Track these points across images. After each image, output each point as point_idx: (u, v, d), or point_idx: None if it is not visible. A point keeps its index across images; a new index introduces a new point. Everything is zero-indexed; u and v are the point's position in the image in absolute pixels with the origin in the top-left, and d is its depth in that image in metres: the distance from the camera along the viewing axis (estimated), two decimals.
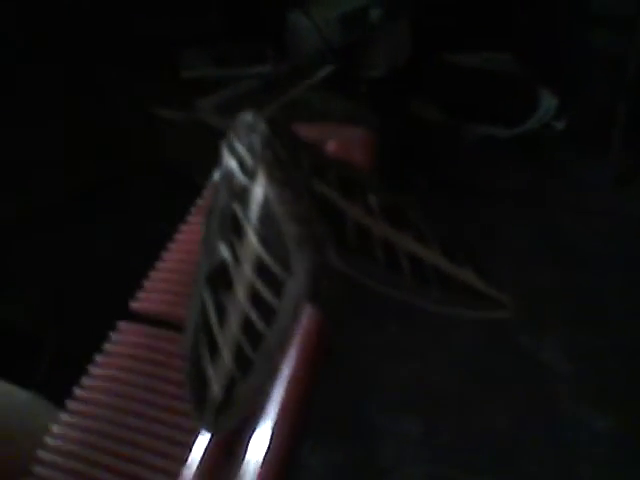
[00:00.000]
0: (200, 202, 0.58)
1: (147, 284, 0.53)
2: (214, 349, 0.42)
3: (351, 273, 0.44)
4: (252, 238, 0.43)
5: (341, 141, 0.58)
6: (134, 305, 0.53)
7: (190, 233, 0.56)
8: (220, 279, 0.43)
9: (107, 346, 0.51)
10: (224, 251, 0.44)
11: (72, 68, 1.40)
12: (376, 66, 1.67)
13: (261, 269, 0.43)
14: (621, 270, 1.33)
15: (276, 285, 0.42)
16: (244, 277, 0.43)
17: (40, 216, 1.30)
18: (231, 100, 1.58)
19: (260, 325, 0.42)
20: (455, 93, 1.70)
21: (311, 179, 0.47)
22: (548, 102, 1.66)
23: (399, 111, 1.64)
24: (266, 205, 0.45)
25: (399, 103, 1.66)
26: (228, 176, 0.47)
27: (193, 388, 0.42)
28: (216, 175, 0.49)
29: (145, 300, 0.53)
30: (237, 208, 0.46)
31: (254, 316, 0.42)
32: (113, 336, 0.52)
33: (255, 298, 0.42)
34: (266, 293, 0.43)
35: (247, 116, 0.49)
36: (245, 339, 0.42)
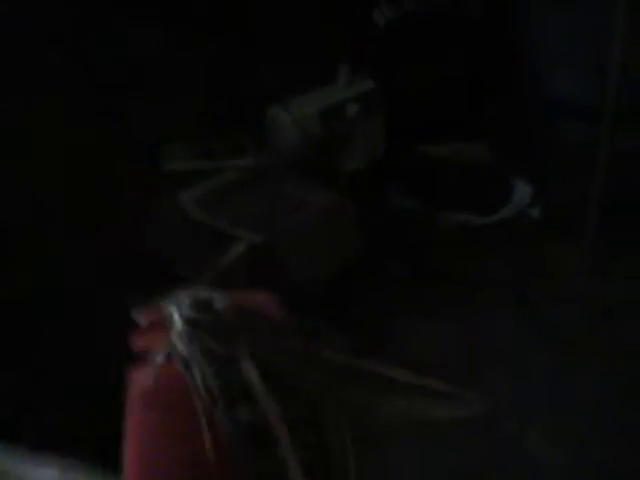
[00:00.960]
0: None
1: None
2: None
3: None
4: (266, 398, 0.47)
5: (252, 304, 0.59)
6: None
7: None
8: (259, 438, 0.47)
9: None
10: (247, 414, 0.48)
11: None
12: (354, 159, 1.72)
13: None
14: (602, 355, 1.35)
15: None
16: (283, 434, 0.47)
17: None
18: (212, 193, 1.61)
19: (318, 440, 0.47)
20: (431, 183, 1.75)
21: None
22: (522, 190, 1.71)
23: (377, 202, 1.67)
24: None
25: (377, 194, 1.69)
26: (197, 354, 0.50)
27: None
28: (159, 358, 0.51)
29: None
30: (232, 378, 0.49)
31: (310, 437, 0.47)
32: None
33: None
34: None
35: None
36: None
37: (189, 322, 0.52)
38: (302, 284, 1.40)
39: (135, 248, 1.40)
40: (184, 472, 0.51)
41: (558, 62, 1.67)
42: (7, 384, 1.17)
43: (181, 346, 0.52)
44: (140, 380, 0.53)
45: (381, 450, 1.16)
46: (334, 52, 1.71)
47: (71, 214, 1.40)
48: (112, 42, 1.48)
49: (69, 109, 1.44)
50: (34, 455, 0.57)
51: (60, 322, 1.29)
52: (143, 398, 0.52)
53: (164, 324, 0.53)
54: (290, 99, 1.63)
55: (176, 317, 0.52)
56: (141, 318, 0.54)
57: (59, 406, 1.15)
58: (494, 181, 1.73)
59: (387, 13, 1.72)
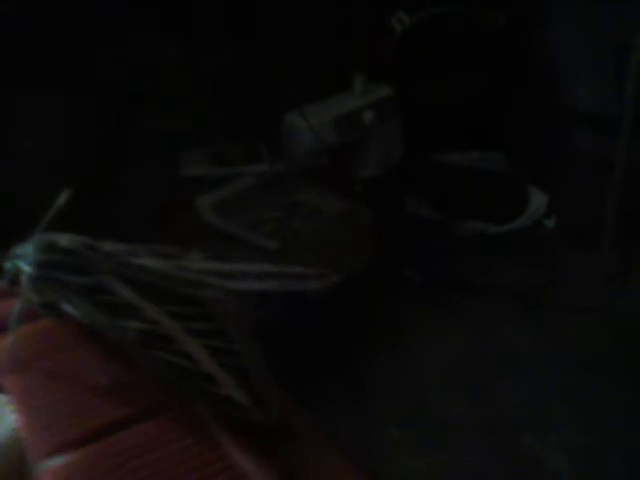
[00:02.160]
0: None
1: None
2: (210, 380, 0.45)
3: None
4: (149, 306, 0.46)
5: None
6: None
7: None
8: (154, 340, 0.46)
9: None
10: (134, 323, 0.47)
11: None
12: (369, 166, 1.72)
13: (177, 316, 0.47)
14: (616, 368, 1.34)
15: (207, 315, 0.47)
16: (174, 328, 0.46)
17: None
18: (228, 199, 1.61)
19: (225, 346, 0.46)
20: (447, 191, 1.74)
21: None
22: (538, 200, 1.70)
23: (393, 209, 1.67)
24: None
25: (392, 201, 1.69)
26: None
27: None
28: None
29: None
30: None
31: (215, 342, 0.47)
32: None
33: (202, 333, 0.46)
34: (204, 325, 0.47)
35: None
36: (225, 359, 0.46)
37: (39, 266, 0.50)
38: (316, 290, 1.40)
39: None
40: (79, 399, 0.50)
41: (577, 72, 1.66)
42: None
43: (36, 293, 0.51)
44: (1, 347, 0.52)
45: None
46: (350, 59, 1.71)
47: (86, 220, 1.40)
48: (128, 53, 1.49)
49: (85, 116, 1.45)
50: None
51: None
52: (11, 363, 0.51)
53: (8, 290, 0.51)
54: (306, 106, 1.64)
55: (23, 268, 0.50)
56: None
57: None
58: (510, 190, 1.73)
59: (405, 20, 1.72)
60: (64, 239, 0.51)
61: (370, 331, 1.41)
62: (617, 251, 1.52)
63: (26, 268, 0.50)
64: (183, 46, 1.52)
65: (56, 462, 0.46)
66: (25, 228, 0.51)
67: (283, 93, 1.59)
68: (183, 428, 0.46)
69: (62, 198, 0.54)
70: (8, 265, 0.50)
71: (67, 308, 0.50)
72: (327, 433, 0.52)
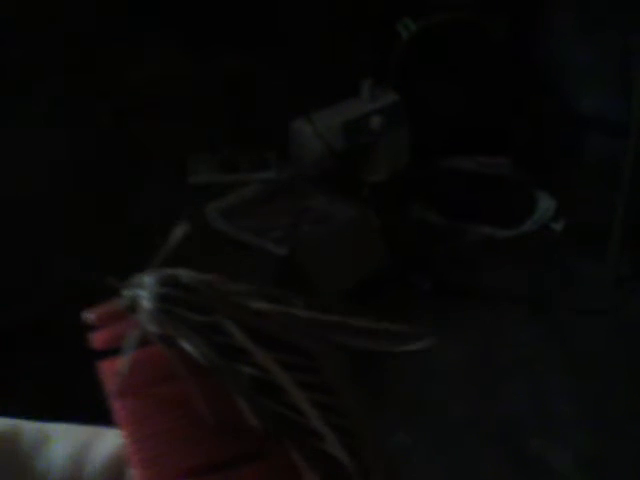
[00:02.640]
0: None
1: None
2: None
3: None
4: (260, 352, 0.46)
5: None
6: None
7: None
8: (264, 388, 0.45)
9: None
10: (246, 368, 0.47)
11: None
12: (377, 171, 1.72)
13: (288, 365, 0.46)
14: (625, 372, 1.34)
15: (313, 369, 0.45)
16: (285, 378, 0.45)
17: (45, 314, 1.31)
18: (237, 205, 1.62)
19: (333, 403, 0.45)
20: (454, 196, 1.75)
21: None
22: (546, 204, 1.71)
23: (400, 214, 1.68)
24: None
25: (400, 206, 1.70)
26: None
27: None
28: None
29: None
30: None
31: (323, 398, 0.45)
32: None
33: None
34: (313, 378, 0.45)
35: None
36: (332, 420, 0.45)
37: (161, 299, 0.50)
38: (325, 296, 1.41)
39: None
40: (187, 435, 0.49)
41: (584, 77, 1.67)
42: None
43: (155, 325, 0.51)
44: (114, 370, 0.52)
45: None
46: (358, 65, 1.72)
47: (94, 230, 1.41)
48: (135, 60, 1.49)
49: (95, 126, 1.46)
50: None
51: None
52: (122, 387, 0.50)
53: (122, 314, 0.51)
54: (314, 112, 1.64)
55: (143, 298, 0.51)
56: (92, 316, 0.53)
57: None
58: (517, 194, 1.73)
59: (410, 26, 1.73)
60: (185, 275, 0.52)
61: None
62: (625, 254, 1.52)
63: (146, 300, 0.51)
64: (191, 53, 1.53)
65: None
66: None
67: (291, 99, 1.59)
68: (282, 477, 0.46)
69: (179, 232, 0.54)
70: (127, 292, 0.51)
71: (184, 344, 0.51)
72: None
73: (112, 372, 0.52)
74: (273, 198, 1.59)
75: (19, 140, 1.38)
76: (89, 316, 0.51)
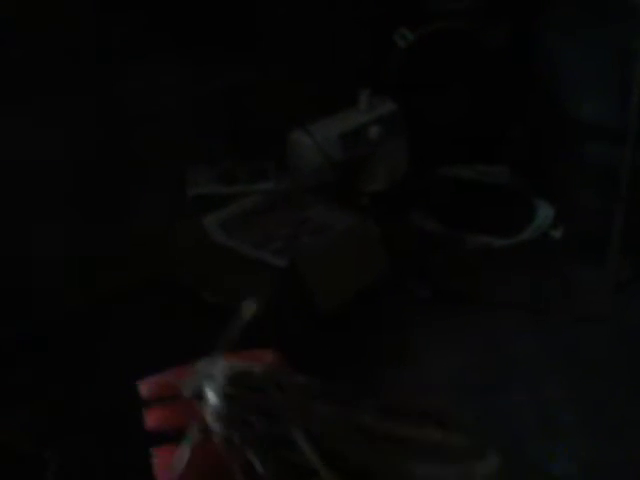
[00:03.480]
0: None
1: None
2: None
3: None
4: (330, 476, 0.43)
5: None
6: None
7: None
8: None
9: None
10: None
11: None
12: (376, 180, 1.73)
13: None
14: (625, 378, 1.34)
15: None
16: None
17: (44, 330, 1.32)
18: (236, 216, 1.62)
19: None
20: (453, 205, 1.75)
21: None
22: (544, 212, 1.71)
23: (400, 223, 1.68)
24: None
25: (399, 215, 1.70)
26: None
27: None
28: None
29: None
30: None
31: None
32: None
33: None
34: None
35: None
36: None
37: (228, 400, 0.47)
38: (325, 306, 1.41)
39: (159, 274, 1.41)
40: None
41: (581, 83, 1.67)
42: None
43: (220, 425, 0.47)
44: (169, 462, 0.48)
45: None
46: (355, 75, 1.72)
47: (95, 240, 1.42)
48: (135, 76, 1.50)
49: (94, 138, 1.47)
50: None
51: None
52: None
53: (177, 396, 0.48)
54: (311, 122, 1.65)
55: (210, 392, 0.47)
56: (145, 390, 0.49)
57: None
58: (516, 203, 1.73)
59: (407, 36, 1.73)
60: (256, 370, 0.48)
61: (379, 343, 1.41)
62: (624, 261, 1.52)
63: (212, 395, 0.47)
64: (191, 65, 1.53)
65: None
66: None
67: (289, 110, 1.60)
68: None
69: (247, 312, 0.50)
70: (192, 382, 0.48)
71: (251, 456, 0.47)
72: None
73: (167, 464, 0.48)
74: (272, 209, 1.59)
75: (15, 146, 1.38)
76: (142, 388, 0.47)
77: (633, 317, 1.45)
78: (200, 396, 0.44)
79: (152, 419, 0.48)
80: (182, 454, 0.45)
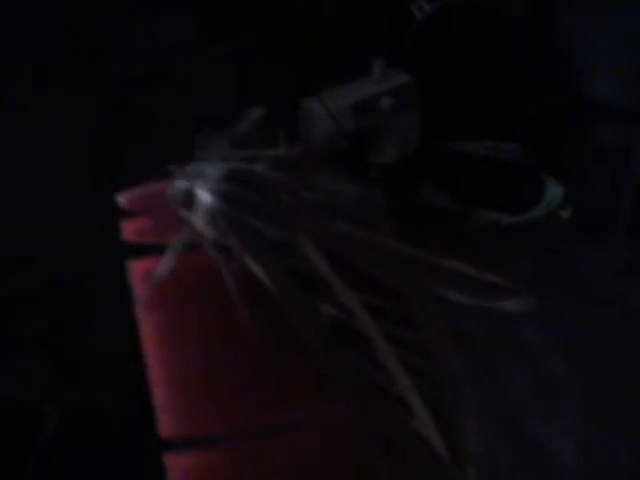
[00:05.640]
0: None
1: (164, 403, 0.41)
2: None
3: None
4: (345, 289, 0.37)
5: None
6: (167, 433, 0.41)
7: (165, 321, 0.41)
8: (345, 336, 0.36)
9: None
10: (327, 308, 0.37)
11: None
12: (386, 153, 1.71)
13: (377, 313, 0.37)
14: (627, 360, 1.34)
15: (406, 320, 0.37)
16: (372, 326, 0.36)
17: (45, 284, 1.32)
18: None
19: (426, 367, 0.37)
20: (463, 180, 1.74)
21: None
22: (554, 191, 1.70)
23: (408, 196, 1.67)
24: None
25: (408, 189, 1.69)
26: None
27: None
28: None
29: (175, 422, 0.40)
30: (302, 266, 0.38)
31: (415, 359, 0.37)
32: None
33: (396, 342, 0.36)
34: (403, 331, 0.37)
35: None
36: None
37: (224, 198, 0.40)
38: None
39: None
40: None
41: (596, 61, 1.65)
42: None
43: (213, 230, 0.40)
44: (147, 274, 0.41)
45: None
46: (369, 45, 1.70)
47: (99, 207, 1.41)
48: (143, 33, 1.49)
49: (100, 96, 1.46)
50: None
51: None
52: (155, 297, 0.39)
53: (164, 203, 0.41)
54: (324, 91, 1.63)
55: (203, 193, 0.41)
56: (124, 199, 0.42)
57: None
58: (526, 180, 1.72)
59: (425, 7, 1.72)
60: (259, 167, 0.41)
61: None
62: (632, 243, 1.51)
63: (205, 196, 0.40)
64: (201, 28, 1.52)
65: (189, 455, 0.37)
66: None
67: (301, 78, 1.58)
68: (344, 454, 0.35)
69: (255, 113, 0.44)
70: (181, 184, 0.41)
71: (249, 261, 0.40)
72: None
73: (145, 276, 0.41)
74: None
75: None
76: (120, 199, 0.41)
77: (638, 298, 1.45)
78: (189, 201, 0.37)
79: (132, 231, 0.41)
80: (165, 264, 0.38)
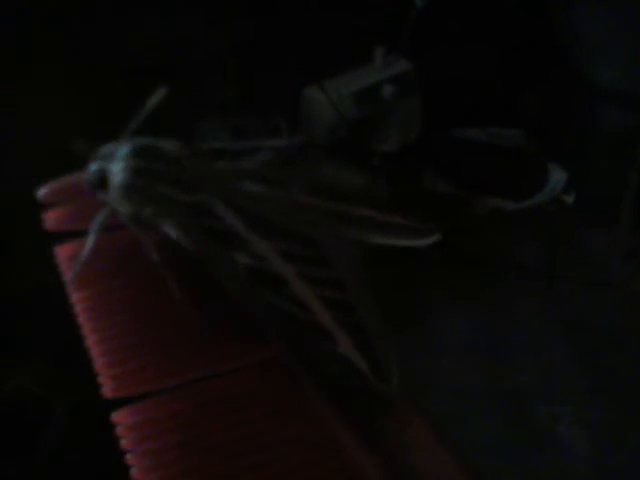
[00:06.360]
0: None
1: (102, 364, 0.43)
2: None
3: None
4: (256, 238, 0.40)
5: None
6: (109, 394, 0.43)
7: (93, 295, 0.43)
8: (263, 280, 0.39)
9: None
10: (243, 257, 0.41)
11: None
12: (388, 140, 1.71)
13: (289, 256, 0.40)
14: (633, 344, 1.33)
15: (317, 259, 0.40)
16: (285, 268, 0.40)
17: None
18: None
19: (341, 298, 0.40)
20: (465, 167, 1.73)
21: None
22: (557, 176, 1.69)
23: (411, 184, 1.67)
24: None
25: (411, 176, 1.68)
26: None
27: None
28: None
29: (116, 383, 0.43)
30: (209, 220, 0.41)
31: (330, 293, 0.40)
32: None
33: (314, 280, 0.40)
34: (316, 271, 0.40)
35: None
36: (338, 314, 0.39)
37: (135, 172, 0.42)
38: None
39: None
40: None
41: (601, 46, 1.64)
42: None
43: (127, 204, 0.42)
44: (73, 256, 0.43)
45: None
46: (370, 32, 1.70)
47: None
48: (143, 24, 1.48)
49: (102, 87, 1.45)
50: None
51: None
52: (82, 276, 0.42)
53: (83, 191, 0.43)
54: (325, 79, 1.63)
55: (114, 172, 0.42)
56: (44, 192, 0.44)
57: None
58: (529, 166, 1.72)
59: None
60: (168, 144, 0.43)
61: (386, 302, 1.40)
62: (636, 228, 1.51)
63: (117, 172, 0.42)
64: (201, 17, 1.52)
65: (130, 410, 0.39)
66: None
67: (302, 66, 1.58)
68: (279, 389, 0.39)
69: (155, 97, 0.46)
70: (94, 166, 0.42)
71: (165, 226, 0.42)
72: None
73: (71, 258, 0.44)
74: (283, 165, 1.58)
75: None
76: (41, 192, 0.43)
77: None
78: (104, 182, 0.39)
79: (52, 220, 0.44)
80: (88, 244, 0.41)
